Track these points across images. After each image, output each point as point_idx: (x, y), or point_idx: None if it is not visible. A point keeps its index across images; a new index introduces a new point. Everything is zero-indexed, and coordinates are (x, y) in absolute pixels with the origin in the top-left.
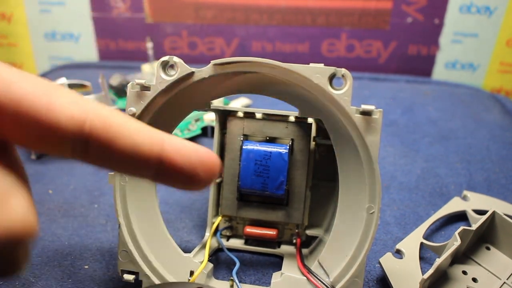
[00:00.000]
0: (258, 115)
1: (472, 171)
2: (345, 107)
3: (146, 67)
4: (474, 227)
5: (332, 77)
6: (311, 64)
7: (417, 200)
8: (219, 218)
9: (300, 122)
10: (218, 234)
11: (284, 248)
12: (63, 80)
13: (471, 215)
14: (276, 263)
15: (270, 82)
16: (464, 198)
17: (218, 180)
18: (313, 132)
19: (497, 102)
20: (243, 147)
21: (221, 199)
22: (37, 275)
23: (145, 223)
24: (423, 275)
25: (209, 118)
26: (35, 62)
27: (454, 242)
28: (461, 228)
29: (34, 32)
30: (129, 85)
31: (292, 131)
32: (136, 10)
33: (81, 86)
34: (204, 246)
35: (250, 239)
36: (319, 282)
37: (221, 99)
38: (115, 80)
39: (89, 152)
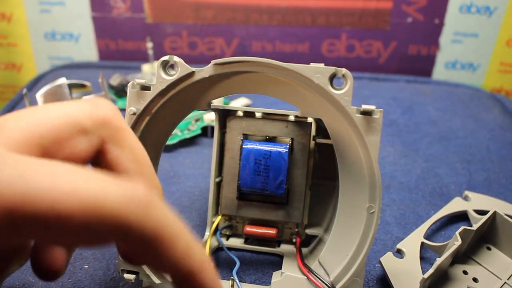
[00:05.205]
0: (258, 115)
1: (472, 171)
2: (345, 107)
3: (146, 67)
4: (475, 227)
5: (332, 77)
6: (312, 64)
7: (417, 200)
8: (219, 217)
9: (300, 121)
10: (218, 233)
11: (284, 247)
12: (63, 80)
13: (472, 215)
14: (276, 262)
15: (270, 82)
16: (465, 198)
17: (218, 180)
18: (313, 132)
19: (497, 102)
20: (243, 146)
21: (221, 198)
22: None
23: None
24: (423, 274)
25: (209, 118)
26: (35, 62)
27: (455, 242)
28: (462, 228)
29: (34, 32)
30: (129, 84)
31: (292, 131)
32: (136, 10)
33: (81, 86)
34: (204, 246)
35: (250, 238)
36: (320, 281)
37: (221, 99)
38: (115, 80)
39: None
